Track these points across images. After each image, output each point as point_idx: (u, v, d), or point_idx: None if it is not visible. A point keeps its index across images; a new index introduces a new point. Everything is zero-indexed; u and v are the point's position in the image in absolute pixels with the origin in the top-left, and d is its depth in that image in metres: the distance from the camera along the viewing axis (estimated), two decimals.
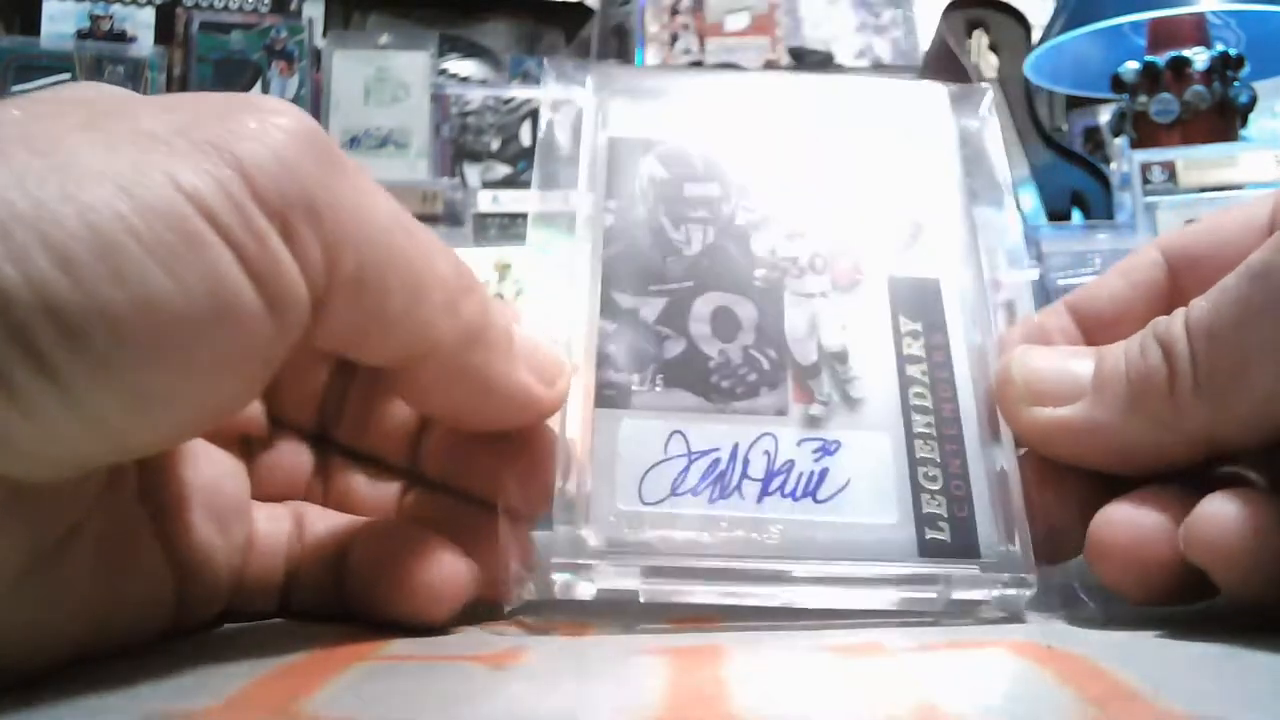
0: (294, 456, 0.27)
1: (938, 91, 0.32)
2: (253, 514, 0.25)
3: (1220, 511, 0.22)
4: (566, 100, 0.30)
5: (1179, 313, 0.24)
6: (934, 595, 0.25)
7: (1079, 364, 0.26)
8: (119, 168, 0.17)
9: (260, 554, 0.25)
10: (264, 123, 0.19)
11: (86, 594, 0.20)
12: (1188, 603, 0.23)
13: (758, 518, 0.25)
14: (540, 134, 0.30)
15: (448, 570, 0.24)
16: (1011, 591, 0.25)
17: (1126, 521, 0.23)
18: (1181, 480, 0.24)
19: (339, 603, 0.25)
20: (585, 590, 0.24)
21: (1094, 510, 0.25)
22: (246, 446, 0.26)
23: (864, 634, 0.23)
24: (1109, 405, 0.25)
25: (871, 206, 0.30)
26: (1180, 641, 0.21)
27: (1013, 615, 0.25)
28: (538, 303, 0.28)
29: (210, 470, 0.24)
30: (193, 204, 0.18)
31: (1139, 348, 0.24)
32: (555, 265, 0.28)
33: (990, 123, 0.32)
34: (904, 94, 0.33)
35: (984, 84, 0.32)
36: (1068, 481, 0.26)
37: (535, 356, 0.24)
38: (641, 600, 0.24)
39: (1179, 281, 0.28)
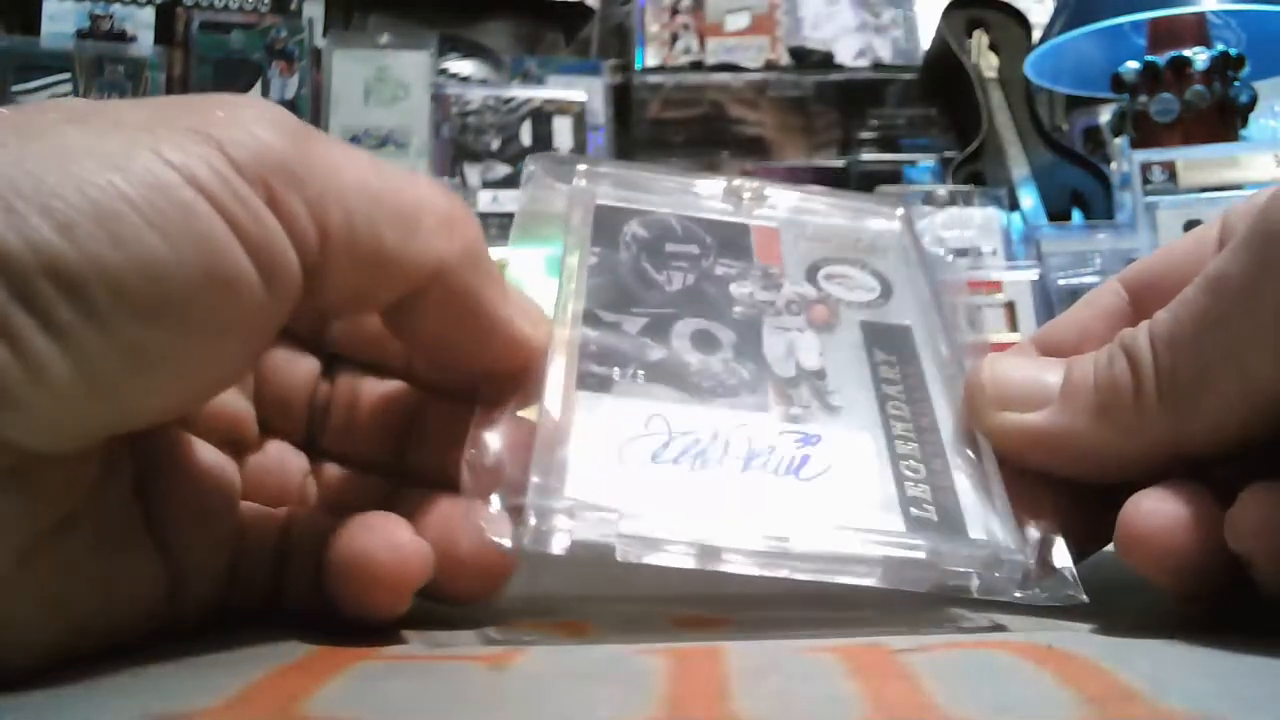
0: (284, 459, 0.27)
1: (892, 213, 0.35)
2: (243, 513, 0.26)
3: (1268, 500, 0.21)
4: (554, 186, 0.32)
5: (1144, 325, 0.25)
6: (921, 560, 0.24)
7: (1048, 372, 0.26)
8: (109, 148, 0.19)
9: (250, 552, 0.25)
10: (233, 111, 0.20)
11: (82, 583, 0.21)
12: (1216, 596, 0.23)
13: (739, 487, 0.25)
14: (524, 193, 0.32)
15: (402, 551, 0.23)
16: (1001, 572, 0.24)
17: (1158, 510, 0.23)
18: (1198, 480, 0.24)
19: (324, 601, 0.25)
20: (559, 542, 0.23)
21: (1067, 522, 0.26)
22: (237, 448, 0.26)
23: (864, 634, 0.23)
24: (1076, 412, 0.25)
25: (843, 274, 0.32)
26: (1180, 642, 0.21)
27: (1002, 594, 0.24)
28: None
29: (202, 469, 0.25)
30: (181, 176, 0.19)
31: (1106, 357, 0.25)
32: (538, 275, 0.29)
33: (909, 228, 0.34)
34: (868, 199, 0.35)
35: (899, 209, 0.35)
36: (1041, 494, 0.26)
37: (520, 299, 0.25)
38: (617, 557, 0.23)
39: (1140, 307, 0.29)
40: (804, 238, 0.33)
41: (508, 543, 0.23)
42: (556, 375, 0.26)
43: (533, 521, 0.23)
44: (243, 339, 0.20)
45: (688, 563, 0.23)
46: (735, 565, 0.24)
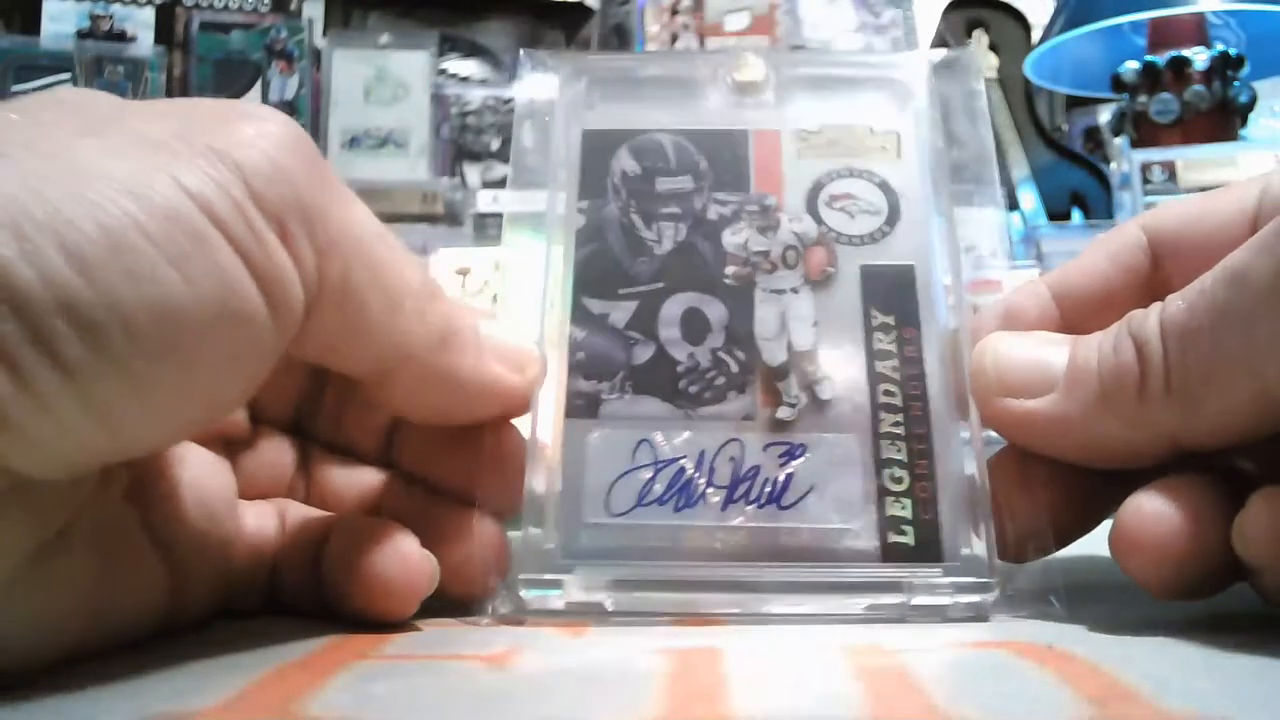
0: (277, 455, 0.27)
1: (919, 63, 0.31)
2: (239, 511, 0.26)
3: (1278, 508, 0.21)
4: (540, 97, 0.30)
5: (1155, 309, 0.24)
6: (897, 601, 0.25)
7: (1052, 354, 0.25)
8: (124, 171, 0.18)
9: (247, 550, 0.25)
10: (258, 129, 0.20)
11: (83, 590, 0.21)
12: (1207, 596, 0.23)
13: (722, 526, 0.25)
14: (515, 131, 0.30)
15: (410, 563, 0.24)
16: (975, 597, 0.24)
17: (1157, 514, 0.22)
18: (1199, 469, 0.24)
19: (320, 599, 0.25)
20: (554, 603, 0.25)
21: (1063, 512, 0.26)
22: (230, 446, 0.26)
23: (863, 634, 0.23)
24: (1079, 400, 0.24)
25: (847, 192, 0.30)
26: (1180, 642, 0.21)
27: (978, 617, 0.25)
28: (512, 305, 0.29)
29: (197, 469, 0.25)
30: (197, 205, 0.18)
31: (1113, 343, 0.24)
32: (528, 267, 0.29)
33: (977, 93, 0.31)
34: (885, 67, 0.32)
35: (971, 49, 0.31)
36: (1038, 483, 0.26)
37: (503, 348, 0.25)
38: (609, 611, 0.25)
39: (1162, 267, 0.28)
40: (807, 144, 0.30)
41: (505, 608, 0.25)
42: (546, 402, 0.26)
43: (533, 602, 0.25)
44: (248, 368, 0.20)
45: (674, 608, 0.25)
46: (717, 608, 0.25)
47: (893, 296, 0.28)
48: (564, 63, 0.31)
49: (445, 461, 0.27)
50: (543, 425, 0.26)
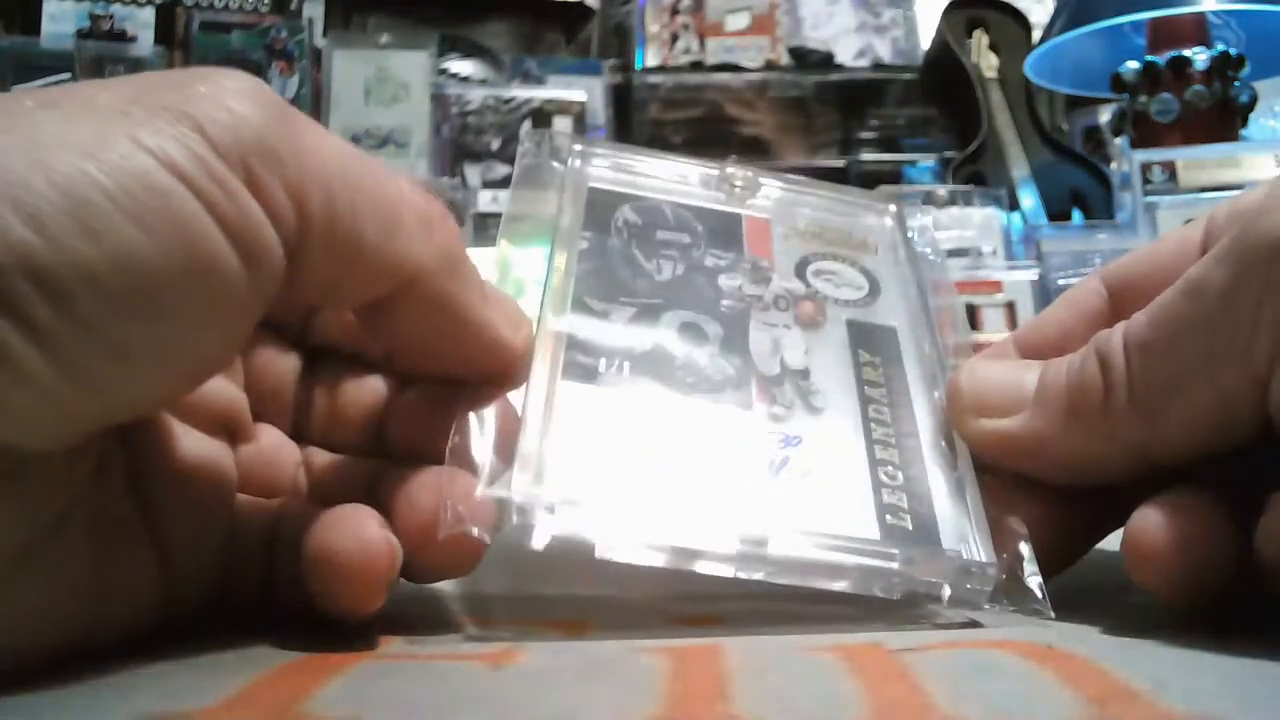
0: (277, 448, 0.27)
1: (887, 205, 0.34)
2: (237, 503, 0.25)
3: None
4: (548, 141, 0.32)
5: (1119, 327, 0.24)
6: (894, 569, 0.24)
7: (1024, 376, 0.26)
8: (81, 135, 0.18)
9: (244, 542, 0.25)
10: (213, 86, 0.20)
11: (78, 580, 0.21)
12: (1215, 606, 0.23)
13: (718, 486, 0.25)
14: (517, 170, 0.31)
15: (367, 542, 0.22)
16: (974, 581, 0.24)
17: (1167, 525, 0.22)
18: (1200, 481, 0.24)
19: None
20: (539, 537, 0.23)
21: (1049, 538, 0.26)
22: (232, 437, 0.26)
23: (863, 634, 0.23)
24: (1048, 416, 0.25)
25: (832, 270, 0.32)
26: (1180, 642, 0.21)
27: (972, 603, 0.24)
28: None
29: (196, 459, 0.24)
30: (158, 160, 0.18)
31: (1080, 360, 0.25)
32: (529, 266, 0.29)
33: (900, 226, 0.34)
34: (862, 198, 0.35)
35: (891, 205, 0.35)
36: (1018, 497, 0.26)
37: (501, 299, 0.25)
38: (596, 554, 0.23)
39: (1119, 307, 0.29)
40: (795, 232, 0.32)
41: (487, 537, 0.23)
42: (542, 365, 0.26)
43: (515, 517, 0.23)
44: (226, 325, 0.20)
45: (663, 561, 0.24)
46: (710, 567, 0.24)
47: (877, 344, 0.30)
48: (571, 143, 0.33)
49: (439, 441, 0.26)
50: (536, 386, 0.25)
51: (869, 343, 0.30)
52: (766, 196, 0.33)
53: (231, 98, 0.20)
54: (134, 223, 0.18)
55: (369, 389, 0.27)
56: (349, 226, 0.21)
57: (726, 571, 0.24)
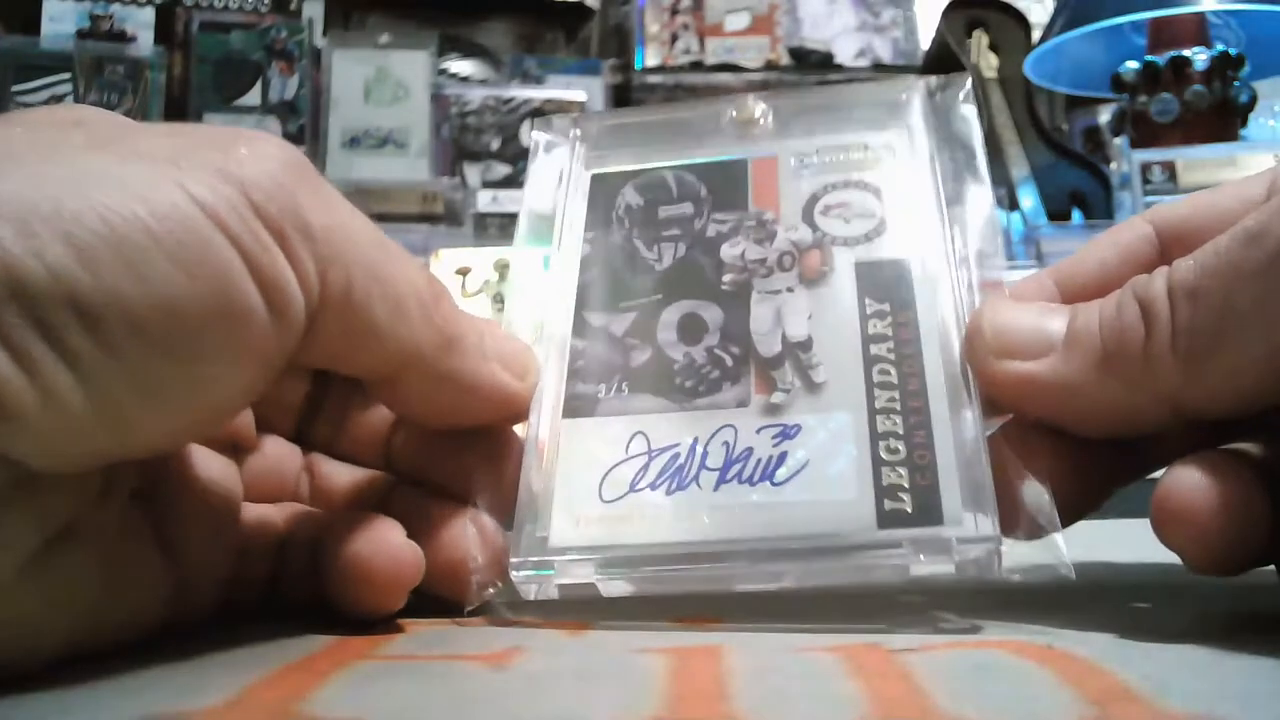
0: (281, 457, 0.28)
1: (914, 86, 0.32)
2: (243, 513, 0.26)
3: None
4: (554, 145, 0.33)
5: (1160, 271, 0.23)
6: (895, 561, 0.24)
7: (1051, 319, 0.25)
8: (133, 178, 0.19)
9: (251, 552, 0.26)
10: (255, 151, 0.21)
11: (86, 589, 0.21)
12: (1240, 573, 0.22)
13: (713, 504, 0.25)
14: (525, 194, 0.32)
15: (395, 552, 0.24)
16: (979, 550, 0.24)
17: (1207, 484, 0.22)
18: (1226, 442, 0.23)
19: (320, 598, 0.25)
20: (548, 589, 0.25)
21: (1066, 486, 0.25)
22: (237, 450, 0.27)
23: (863, 634, 0.23)
24: (1080, 362, 0.24)
25: (842, 201, 0.30)
26: (1180, 642, 0.21)
27: (983, 573, 0.24)
28: (516, 308, 0.30)
29: (204, 471, 0.25)
30: (203, 210, 0.19)
31: (1115, 305, 0.24)
32: (533, 274, 0.30)
33: (968, 113, 0.31)
34: (880, 92, 0.33)
35: (965, 73, 0.32)
36: (1039, 456, 0.25)
37: (505, 353, 0.26)
38: (601, 594, 0.25)
39: (1168, 256, 0.27)
40: (804, 166, 0.31)
41: (502, 598, 0.25)
42: (545, 406, 0.27)
43: (527, 587, 0.25)
44: (250, 371, 0.20)
45: (666, 588, 0.25)
46: (708, 584, 0.25)
47: (887, 287, 0.28)
48: (573, 125, 0.33)
49: (444, 464, 0.27)
50: (541, 426, 0.27)
51: (877, 287, 0.28)
52: (772, 123, 0.32)
53: (275, 166, 0.21)
54: (176, 265, 0.18)
55: (377, 408, 0.28)
56: (363, 307, 0.22)
57: (725, 587, 0.25)
